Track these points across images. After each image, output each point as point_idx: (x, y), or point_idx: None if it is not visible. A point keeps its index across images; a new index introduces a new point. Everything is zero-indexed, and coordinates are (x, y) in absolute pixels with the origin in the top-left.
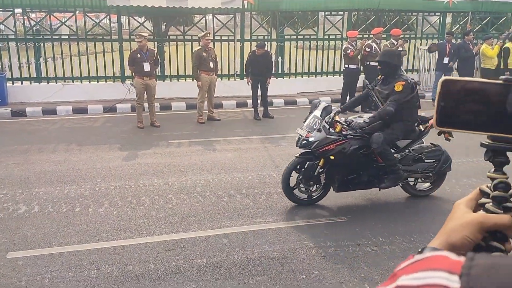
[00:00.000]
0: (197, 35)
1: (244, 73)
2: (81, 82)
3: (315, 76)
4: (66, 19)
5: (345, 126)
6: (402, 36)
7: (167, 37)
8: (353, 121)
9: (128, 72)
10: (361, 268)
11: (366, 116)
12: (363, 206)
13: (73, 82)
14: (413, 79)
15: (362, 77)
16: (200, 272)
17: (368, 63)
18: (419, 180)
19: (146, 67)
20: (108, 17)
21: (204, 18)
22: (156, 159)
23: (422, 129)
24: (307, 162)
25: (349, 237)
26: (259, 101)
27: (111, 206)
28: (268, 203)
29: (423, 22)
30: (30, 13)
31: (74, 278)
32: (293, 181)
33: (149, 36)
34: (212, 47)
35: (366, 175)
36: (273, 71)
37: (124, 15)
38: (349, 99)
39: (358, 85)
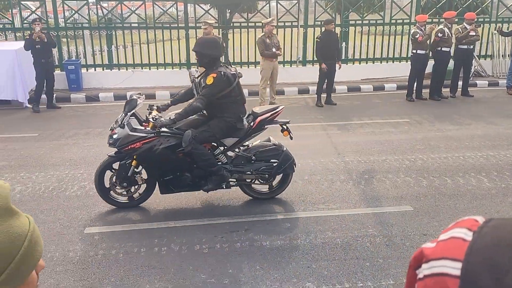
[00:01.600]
0: (261, 22)
1: (316, 57)
2: (149, 69)
3: (380, 62)
4: (135, 8)
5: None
6: (475, 20)
7: (231, 24)
8: (159, 118)
9: (193, 60)
10: None
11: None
12: (430, 195)
13: (142, 69)
14: (233, 71)
15: (431, 62)
16: (264, 253)
17: (440, 48)
18: (269, 181)
19: None
20: (175, 5)
21: (267, 5)
22: None
23: (252, 126)
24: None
25: (416, 227)
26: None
27: None
28: (330, 190)
29: (498, 4)
30: (102, 2)
31: (146, 254)
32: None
33: (215, 24)
34: (275, 33)
35: (189, 176)
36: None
37: (190, 3)
38: (417, 85)
39: (426, 71)
